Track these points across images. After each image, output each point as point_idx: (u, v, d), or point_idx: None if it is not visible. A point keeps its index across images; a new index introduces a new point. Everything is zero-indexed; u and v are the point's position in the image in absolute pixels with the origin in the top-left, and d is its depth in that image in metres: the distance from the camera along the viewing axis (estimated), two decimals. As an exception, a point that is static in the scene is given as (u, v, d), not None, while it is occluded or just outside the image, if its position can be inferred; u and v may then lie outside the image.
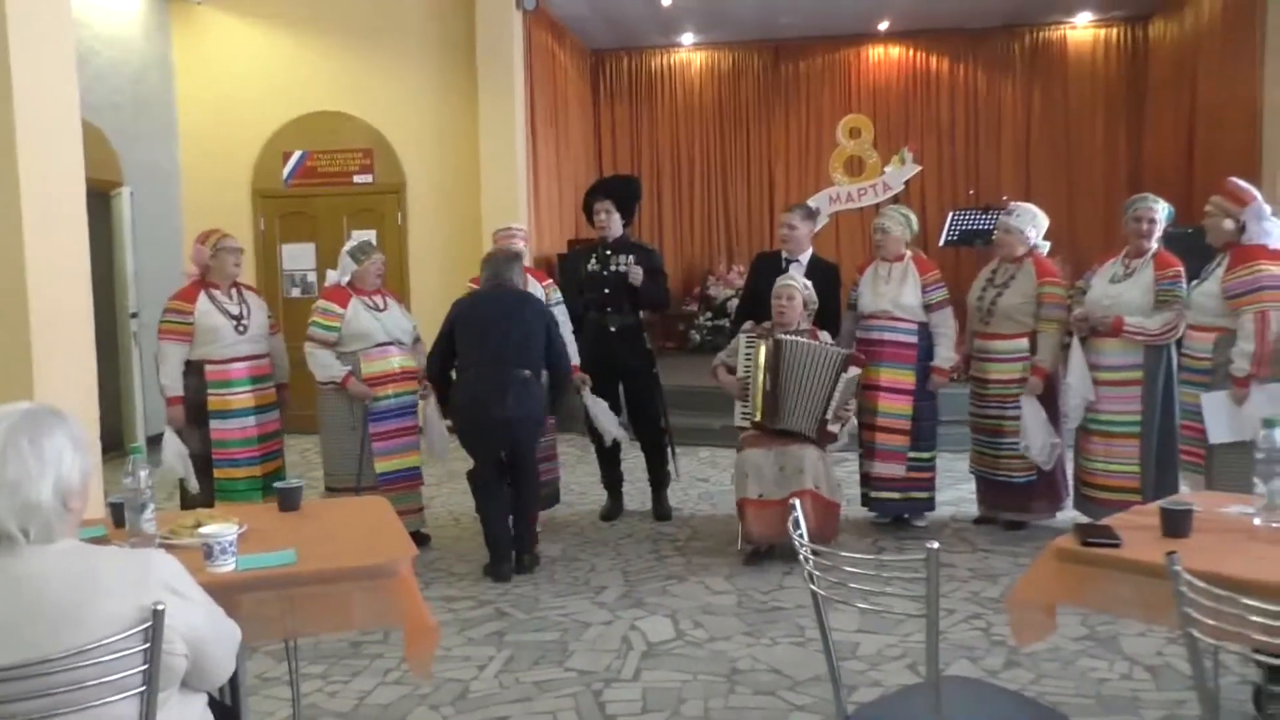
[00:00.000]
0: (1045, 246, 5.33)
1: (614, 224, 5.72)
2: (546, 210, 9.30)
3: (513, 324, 4.87)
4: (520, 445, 4.89)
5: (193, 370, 4.96)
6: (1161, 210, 4.87)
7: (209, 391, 4.95)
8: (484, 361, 4.82)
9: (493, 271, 5.11)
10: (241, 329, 5.00)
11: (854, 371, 4.84)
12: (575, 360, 5.46)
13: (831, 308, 5.37)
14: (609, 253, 5.70)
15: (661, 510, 5.85)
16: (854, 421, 5.42)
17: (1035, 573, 2.62)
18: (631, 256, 5.67)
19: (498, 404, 4.74)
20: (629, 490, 6.09)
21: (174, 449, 4.96)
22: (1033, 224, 5.25)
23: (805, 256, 5.48)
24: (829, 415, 4.83)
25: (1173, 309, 4.70)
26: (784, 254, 5.52)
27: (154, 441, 7.89)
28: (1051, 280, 5.12)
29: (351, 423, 5.11)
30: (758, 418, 4.92)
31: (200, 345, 4.94)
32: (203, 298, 4.96)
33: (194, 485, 4.99)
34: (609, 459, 5.90)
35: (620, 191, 5.89)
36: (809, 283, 5.13)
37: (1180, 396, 4.63)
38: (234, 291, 5.09)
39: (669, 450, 5.91)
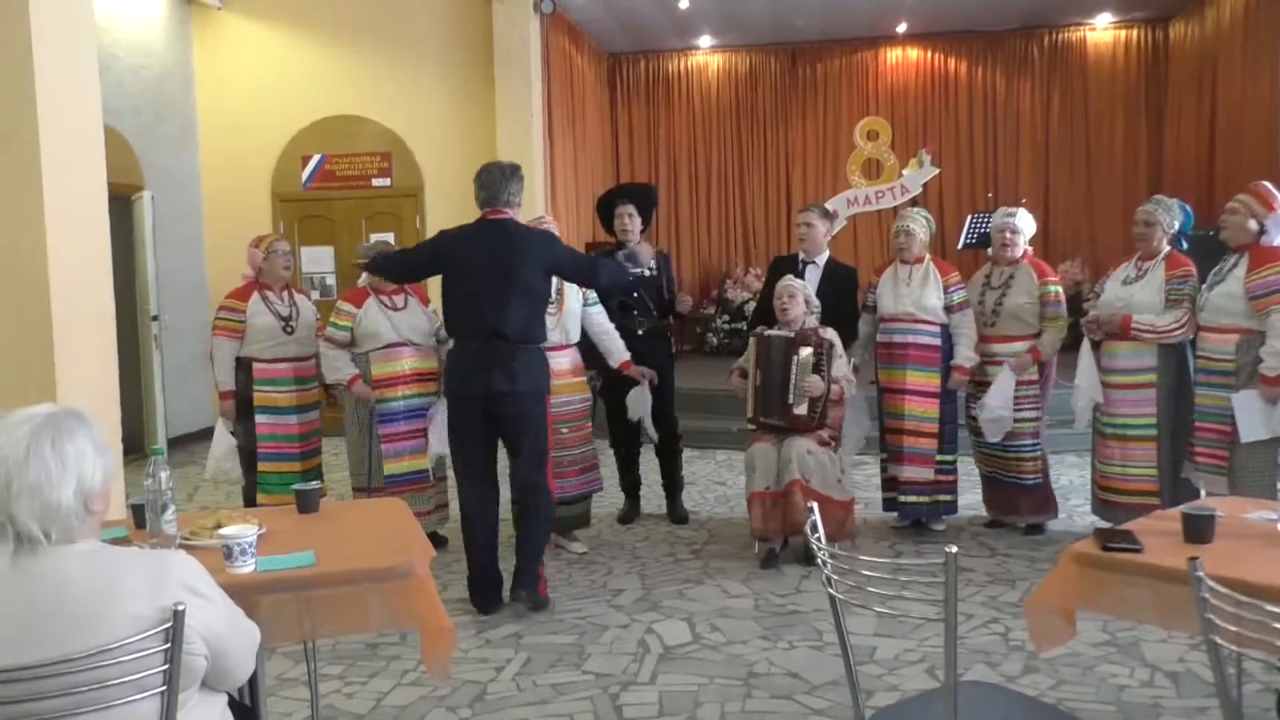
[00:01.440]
0: (1029, 249, 5.40)
1: (635, 228, 5.75)
2: (564, 213, 9.31)
3: (509, 282, 4.21)
4: (521, 422, 4.26)
5: (241, 367, 5.18)
6: (1163, 212, 4.84)
7: (255, 388, 5.16)
8: (472, 335, 4.25)
9: (488, 194, 4.34)
10: (289, 330, 5.21)
11: (804, 352, 4.84)
12: (625, 356, 5.24)
13: (849, 310, 5.36)
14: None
15: (677, 513, 5.84)
16: (867, 423, 5.44)
17: (1054, 578, 2.60)
18: (654, 261, 5.74)
19: (490, 380, 4.18)
20: (645, 494, 6.09)
21: (223, 446, 5.18)
22: (1028, 225, 5.35)
23: (822, 259, 5.47)
24: (790, 399, 4.84)
25: (1181, 307, 4.67)
26: (801, 256, 5.52)
27: (174, 443, 7.99)
28: (1051, 280, 5.23)
29: (362, 424, 5.16)
30: (749, 414, 5.01)
31: (250, 343, 5.16)
32: (255, 298, 5.18)
33: (237, 475, 5.22)
34: (627, 462, 5.91)
35: (642, 197, 5.92)
36: (805, 284, 5.15)
37: (1198, 399, 4.58)
38: (285, 294, 5.29)
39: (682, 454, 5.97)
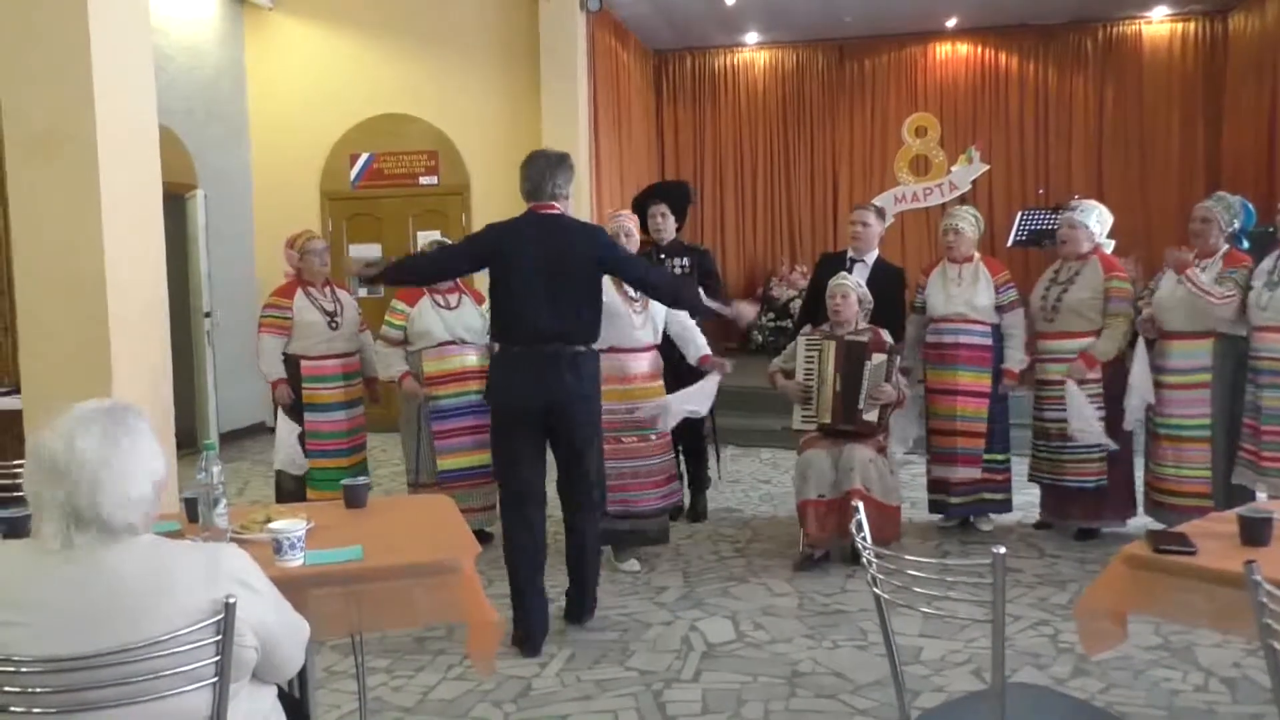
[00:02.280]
0: (1109, 245, 5.23)
1: (669, 227, 5.74)
2: (610, 212, 9.32)
3: (567, 281, 3.89)
4: (575, 433, 3.97)
5: (289, 364, 5.24)
6: (1222, 209, 4.73)
7: (304, 385, 5.22)
8: (529, 339, 3.89)
9: (532, 185, 4.00)
10: (335, 325, 5.28)
11: (877, 358, 4.77)
12: (705, 351, 4.90)
13: (895, 311, 5.29)
14: (663, 256, 5.70)
15: (697, 511, 5.83)
16: (916, 424, 5.37)
17: (1105, 580, 2.56)
18: (688, 259, 5.69)
19: (561, 385, 3.87)
20: (687, 491, 6.08)
21: (290, 436, 5.16)
22: (1097, 220, 5.16)
23: (871, 257, 5.42)
24: (861, 405, 4.78)
25: (1229, 286, 4.56)
26: (850, 254, 5.48)
27: (226, 438, 8.13)
28: (1118, 275, 5.03)
29: (410, 420, 5.22)
30: (827, 420, 4.88)
31: (297, 340, 5.23)
32: (300, 294, 5.26)
33: (302, 462, 5.18)
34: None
35: (674, 196, 5.91)
36: (860, 281, 5.08)
37: (1266, 402, 4.47)
38: (328, 290, 5.36)
39: (713, 452, 5.95)
